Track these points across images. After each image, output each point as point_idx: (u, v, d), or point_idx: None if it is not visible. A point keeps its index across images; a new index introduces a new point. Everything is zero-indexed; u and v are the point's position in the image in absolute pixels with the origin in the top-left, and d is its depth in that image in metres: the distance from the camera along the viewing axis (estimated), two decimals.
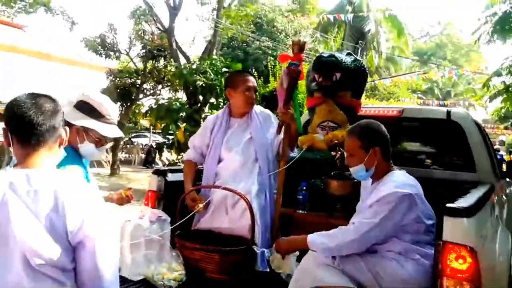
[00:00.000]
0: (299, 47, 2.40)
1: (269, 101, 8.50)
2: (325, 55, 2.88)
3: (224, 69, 8.07)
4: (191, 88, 7.92)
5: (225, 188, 2.25)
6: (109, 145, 12.59)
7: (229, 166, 2.49)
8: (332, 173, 2.46)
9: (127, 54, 12.64)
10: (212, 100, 8.21)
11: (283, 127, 2.43)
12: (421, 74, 16.05)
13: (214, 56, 9.95)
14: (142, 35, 12.33)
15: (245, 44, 13.69)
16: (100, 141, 1.98)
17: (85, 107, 1.94)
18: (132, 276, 2.03)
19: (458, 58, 36.04)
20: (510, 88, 6.69)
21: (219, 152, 2.54)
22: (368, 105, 3.77)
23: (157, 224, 2.14)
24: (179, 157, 8.50)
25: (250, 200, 2.19)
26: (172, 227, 2.22)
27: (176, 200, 2.33)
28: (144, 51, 12.19)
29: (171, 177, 2.55)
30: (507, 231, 2.66)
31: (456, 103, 23.15)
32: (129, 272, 2.04)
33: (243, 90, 2.54)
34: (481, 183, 2.70)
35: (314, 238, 1.85)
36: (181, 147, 7.85)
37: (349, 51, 3.10)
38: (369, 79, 18.04)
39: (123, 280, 2.01)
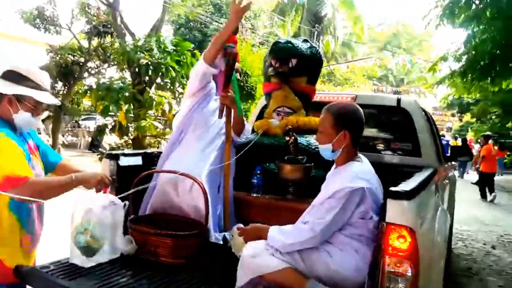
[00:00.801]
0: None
1: None
2: (282, 41, 2.91)
3: (172, 48, 7.69)
4: (136, 67, 7.49)
5: (180, 173, 2.25)
6: (49, 127, 11.85)
7: (195, 139, 2.52)
8: (285, 158, 2.52)
9: (69, 29, 11.84)
10: (159, 80, 7.86)
11: (225, 111, 2.46)
12: (376, 60, 16.54)
13: (161, 34, 9.56)
14: (87, 9, 11.57)
15: (203, 26, 13.45)
16: (36, 109, 1.92)
17: (13, 76, 1.88)
18: (84, 263, 1.99)
19: (412, 47, 37.47)
20: (455, 74, 6.77)
21: (192, 120, 2.59)
22: (323, 92, 3.87)
23: (110, 210, 2.10)
24: (122, 140, 8.04)
25: (202, 181, 2.22)
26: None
27: (129, 185, 2.31)
28: (88, 27, 11.46)
29: (124, 161, 2.51)
30: (447, 211, 2.87)
31: (408, 90, 24.16)
32: (80, 259, 2.00)
33: None
34: (426, 167, 2.88)
35: (273, 234, 1.87)
36: (123, 129, 7.49)
37: (305, 38, 3.15)
38: (325, 64, 18.36)
39: (74, 267, 1.98)
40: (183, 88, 7.65)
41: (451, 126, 28.37)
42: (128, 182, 2.33)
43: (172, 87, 7.82)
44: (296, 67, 2.82)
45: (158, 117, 8.36)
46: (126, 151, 3.22)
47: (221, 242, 2.28)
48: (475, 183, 11.41)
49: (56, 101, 2.05)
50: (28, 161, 1.90)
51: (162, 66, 7.33)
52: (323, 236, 1.82)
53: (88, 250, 2.00)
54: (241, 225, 2.12)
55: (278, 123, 2.86)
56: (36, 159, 2.01)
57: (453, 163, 4.76)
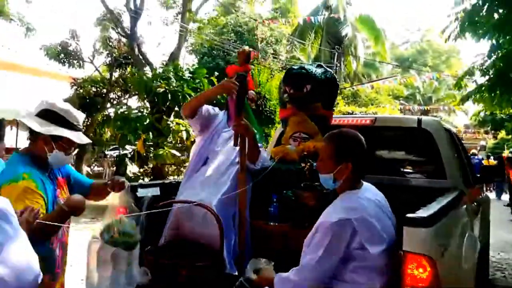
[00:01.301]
0: (245, 57, 2.45)
1: None
2: (296, 67, 2.95)
3: (188, 75, 7.72)
4: (154, 96, 7.52)
5: (185, 202, 2.27)
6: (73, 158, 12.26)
7: (207, 168, 2.56)
8: (302, 185, 2.49)
9: (91, 62, 12.16)
10: (177, 108, 7.78)
11: (239, 139, 2.46)
12: (399, 78, 16.30)
13: (179, 62, 9.71)
14: (108, 42, 11.88)
15: (225, 53, 13.75)
16: (69, 148, 2.00)
17: (50, 116, 1.95)
18: None
19: (439, 64, 36.89)
20: (482, 88, 6.24)
21: (207, 152, 2.65)
22: (341, 115, 3.84)
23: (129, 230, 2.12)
24: (142, 170, 8.09)
25: (217, 206, 2.22)
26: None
27: (147, 216, 2.33)
28: (109, 59, 11.75)
29: (141, 192, 2.55)
30: (476, 237, 2.74)
31: (437, 108, 23.59)
32: None
33: None
34: (451, 189, 2.77)
35: (276, 283, 1.84)
36: (142, 158, 7.54)
37: (319, 63, 3.16)
38: (347, 85, 18.19)
39: None
40: None
41: (484, 144, 27.29)
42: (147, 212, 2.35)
43: None
44: (311, 92, 2.83)
45: (177, 145, 8.36)
46: (144, 182, 3.28)
47: (236, 273, 2.25)
48: (508, 205, 10.85)
49: (89, 141, 2.13)
50: (54, 199, 1.97)
51: (179, 93, 7.35)
52: (322, 273, 1.74)
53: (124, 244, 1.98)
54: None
55: (294, 148, 2.84)
56: (63, 194, 2.08)
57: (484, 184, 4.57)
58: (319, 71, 2.90)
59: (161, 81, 7.45)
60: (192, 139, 7.29)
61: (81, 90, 11.33)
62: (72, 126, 1.99)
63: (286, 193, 2.59)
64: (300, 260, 1.83)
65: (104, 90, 11.50)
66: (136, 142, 7.55)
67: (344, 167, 1.87)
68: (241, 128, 2.44)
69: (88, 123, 11.44)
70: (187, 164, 7.49)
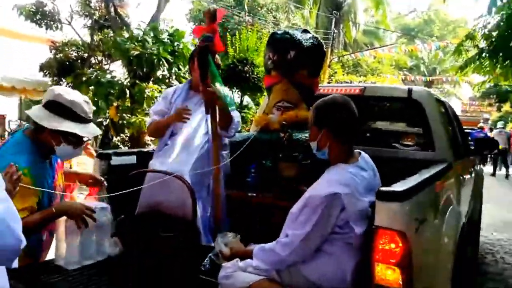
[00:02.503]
0: (211, 16, 2.30)
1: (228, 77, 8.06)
2: (279, 32, 2.81)
3: (166, 37, 7.13)
4: (130, 60, 7.00)
5: (161, 171, 2.20)
6: None
7: (176, 138, 2.49)
8: (280, 155, 2.41)
9: (69, 24, 11.49)
10: (159, 73, 7.32)
11: (209, 106, 2.37)
12: (399, 46, 15.87)
13: (157, 24, 8.99)
14: (87, 2, 11.20)
15: (224, 20, 13.38)
16: (78, 141, 1.93)
17: (56, 108, 1.85)
18: (68, 265, 1.98)
19: (446, 35, 35.98)
20: (482, 54, 5.56)
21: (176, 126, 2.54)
22: (328, 84, 3.72)
23: (96, 211, 2.07)
24: (119, 138, 7.70)
25: (187, 179, 2.15)
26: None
27: (121, 184, 2.28)
28: (90, 21, 11.13)
29: (115, 160, 2.49)
30: (459, 211, 2.68)
31: (441, 79, 23.17)
32: (64, 261, 1.99)
33: None
34: (439, 162, 2.69)
35: (257, 254, 1.81)
36: (116, 127, 7.17)
37: (305, 28, 3.02)
38: (344, 52, 17.68)
39: (58, 269, 1.97)
40: (179, 81, 7.21)
41: (488, 117, 26.96)
42: (120, 181, 2.30)
43: (168, 80, 7.35)
44: (295, 59, 2.71)
45: None
46: (119, 150, 3.21)
47: (212, 244, 2.21)
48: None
49: (99, 132, 2.08)
50: (52, 195, 1.95)
51: (155, 57, 6.85)
52: (307, 248, 1.70)
53: None
54: (225, 249, 2.02)
55: (277, 118, 2.75)
56: (59, 180, 2.08)
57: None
58: (304, 36, 2.77)
59: (136, 44, 6.98)
60: None
61: (60, 54, 10.70)
62: (80, 118, 1.89)
63: (265, 163, 2.53)
64: (282, 231, 1.79)
65: (85, 55, 10.92)
66: (108, 110, 7.23)
67: (324, 135, 1.81)
68: (209, 94, 2.32)
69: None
70: None
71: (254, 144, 2.58)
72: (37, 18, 11.11)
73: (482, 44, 5.91)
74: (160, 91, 6.85)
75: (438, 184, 2.25)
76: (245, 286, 1.73)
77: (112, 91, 6.94)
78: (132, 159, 2.58)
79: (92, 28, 11.09)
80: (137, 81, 7.15)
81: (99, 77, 6.92)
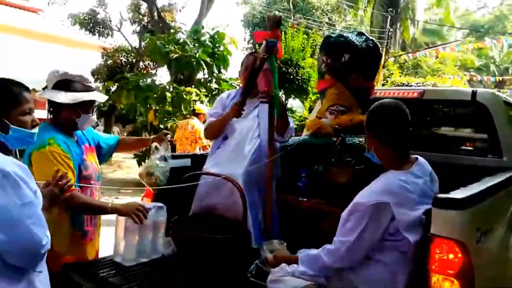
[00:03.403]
0: (275, 22, 2.32)
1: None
2: (334, 35, 2.81)
3: (206, 39, 6.87)
4: (170, 63, 6.88)
5: (209, 174, 2.29)
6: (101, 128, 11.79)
7: (229, 142, 2.58)
8: (332, 160, 2.40)
9: (119, 30, 11.84)
10: (200, 75, 7.05)
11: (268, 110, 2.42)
12: (463, 44, 14.86)
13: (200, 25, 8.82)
14: (137, 9, 11.42)
15: (298, 29, 13.45)
16: (91, 108, 2.14)
17: (68, 85, 2.05)
18: (125, 262, 2.12)
19: None
20: None
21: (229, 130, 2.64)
22: (384, 88, 3.62)
23: (153, 211, 2.20)
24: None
25: (239, 182, 2.22)
26: None
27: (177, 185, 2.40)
28: (138, 26, 11.38)
29: (172, 163, 2.61)
30: None
31: (511, 79, 21.48)
32: (122, 258, 2.13)
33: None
34: (507, 169, 2.54)
35: (303, 260, 1.83)
36: (156, 130, 6.97)
37: (360, 31, 2.98)
38: (400, 52, 16.74)
39: (116, 265, 2.11)
40: (219, 84, 7.12)
41: None
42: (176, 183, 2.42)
43: (209, 83, 7.16)
44: (349, 62, 2.69)
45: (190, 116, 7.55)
46: (175, 153, 3.32)
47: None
48: None
49: (105, 97, 2.30)
50: (81, 163, 2.10)
51: (193, 59, 6.65)
52: (353, 255, 1.69)
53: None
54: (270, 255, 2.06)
55: (329, 122, 2.74)
56: (90, 159, 2.22)
57: None
58: (359, 39, 2.74)
59: (175, 47, 6.87)
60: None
61: (110, 60, 10.96)
62: (89, 88, 2.11)
63: (316, 168, 2.53)
64: (333, 238, 1.79)
65: (134, 60, 11.00)
66: (148, 113, 7.11)
67: (372, 140, 1.82)
68: (273, 99, 2.39)
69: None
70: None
71: (306, 148, 2.59)
72: (91, 26, 11.67)
73: None
74: (198, 95, 6.71)
75: (505, 193, 2.13)
76: None
77: (152, 95, 6.83)
78: (187, 162, 2.70)
79: (141, 34, 11.37)
80: (175, 85, 7.04)
81: (139, 81, 6.84)
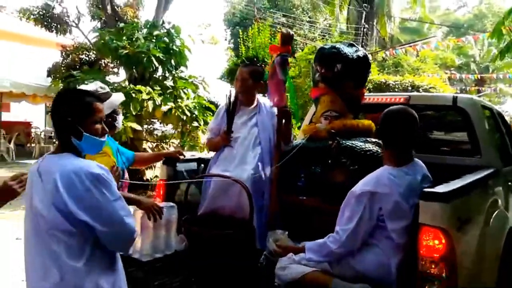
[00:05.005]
0: (287, 38, 2.71)
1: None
2: (327, 46, 3.12)
3: (157, 33, 6.35)
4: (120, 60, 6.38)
5: (220, 176, 2.59)
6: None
7: (233, 151, 2.86)
8: (329, 161, 2.71)
9: (77, 26, 11.34)
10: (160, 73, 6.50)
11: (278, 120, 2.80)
12: (440, 41, 15.32)
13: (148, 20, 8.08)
14: (96, 4, 10.67)
15: (263, 24, 13.75)
16: None
17: None
18: (142, 257, 2.38)
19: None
20: None
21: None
22: (374, 94, 3.97)
23: (165, 211, 2.46)
24: None
25: (247, 183, 2.52)
26: None
27: (185, 188, 2.69)
28: (99, 22, 10.93)
29: (180, 166, 2.89)
30: (505, 215, 2.86)
31: (491, 77, 22.22)
32: (139, 254, 2.39)
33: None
34: (486, 167, 2.90)
35: (310, 248, 2.16)
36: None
37: (351, 42, 3.31)
38: (377, 48, 16.75)
39: (134, 261, 2.37)
40: (175, 82, 6.70)
41: None
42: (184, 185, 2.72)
43: (161, 82, 6.73)
44: (341, 72, 3.00)
45: (144, 119, 7.12)
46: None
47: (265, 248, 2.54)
48: None
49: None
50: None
51: (144, 55, 6.22)
52: (355, 241, 2.03)
53: None
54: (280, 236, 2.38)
55: (324, 127, 3.05)
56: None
57: None
58: (350, 50, 3.06)
59: (125, 42, 6.43)
60: (165, 108, 6.37)
61: (69, 59, 10.34)
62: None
63: (314, 169, 2.83)
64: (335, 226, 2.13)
65: (95, 58, 10.33)
66: None
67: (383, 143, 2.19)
68: (285, 113, 2.81)
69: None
70: (173, 140, 7.02)
71: (304, 151, 2.90)
72: (46, 22, 10.99)
73: None
74: (150, 93, 6.15)
75: (484, 189, 2.49)
76: (299, 276, 2.06)
77: None
78: (194, 165, 2.99)
79: (101, 30, 10.42)
80: (126, 84, 6.62)
81: (84, 80, 6.19)
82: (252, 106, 3.03)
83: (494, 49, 28.79)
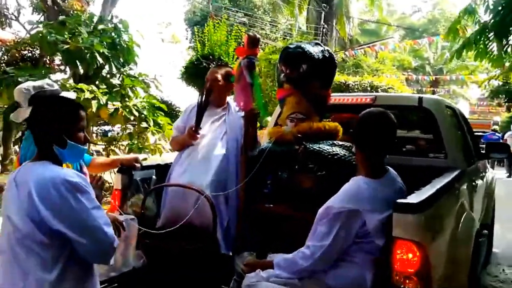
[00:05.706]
0: (255, 41, 2.58)
1: None
2: (292, 46, 2.96)
3: (102, 28, 5.95)
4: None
5: (181, 186, 2.38)
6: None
7: (197, 149, 2.71)
8: (296, 167, 2.57)
9: (17, 19, 10.76)
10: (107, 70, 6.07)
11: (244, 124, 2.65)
12: (396, 42, 15.79)
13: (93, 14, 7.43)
14: None
15: (218, 22, 13.55)
16: None
17: None
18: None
19: None
20: (485, 32, 4.31)
21: None
22: (341, 94, 3.87)
23: (125, 224, 2.23)
24: None
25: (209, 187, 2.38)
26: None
27: (142, 199, 2.46)
28: (42, 16, 10.26)
29: (137, 175, 2.65)
30: (472, 217, 2.83)
31: (445, 79, 23.14)
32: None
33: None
34: (451, 168, 2.85)
35: (279, 264, 1.98)
36: None
37: (317, 41, 3.18)
38: (337, 48, 17.16)
39: None
40: (121, 79, 6.33)
41: (497, 120, 26.64)
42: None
43: (108, 80, 6.32)
44: (307, 72, 2.86)
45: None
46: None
47: (230, 253, 2.37)
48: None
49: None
50: None
51: (87, 51, 5.74)
52: (328, 258, 1.87)
53: None
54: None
55: (290, 129, 2.90)
56: None
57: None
58: (316, 49, 2.92)
59: (65, 35, 5.90)
60: (112, 108, 5.95)
61: (9, 55, 9.45)
62: None
63: (281, 174, 2.68)
64: (305, 241, 1.96)
65: (39, 54, 9.44)
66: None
67: (356, 147, 2.06)
68: (253, 116, 2.69)
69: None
70: (122, 142, 6.45)
71: (270, 156, 2.74)
72: None
73: (486, 18, 4.61)
74: (93, 92, 5.68)
75: (452, 193, 2.41)
76: None
77: None
78: (152, 173, 2.76)
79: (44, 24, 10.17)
80: (70, 82, 6.18)
81: (18, 78, 5.56)
82: (222, 107, 2.95)
83: (447, 53, 30.05)
